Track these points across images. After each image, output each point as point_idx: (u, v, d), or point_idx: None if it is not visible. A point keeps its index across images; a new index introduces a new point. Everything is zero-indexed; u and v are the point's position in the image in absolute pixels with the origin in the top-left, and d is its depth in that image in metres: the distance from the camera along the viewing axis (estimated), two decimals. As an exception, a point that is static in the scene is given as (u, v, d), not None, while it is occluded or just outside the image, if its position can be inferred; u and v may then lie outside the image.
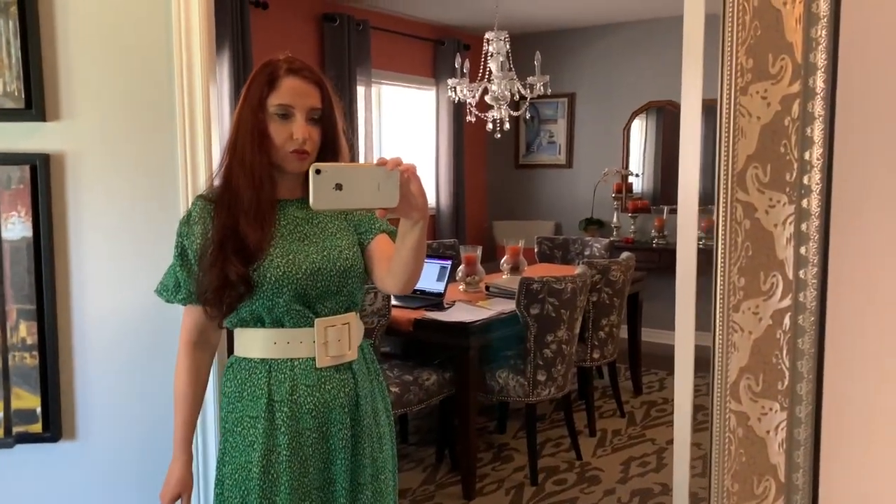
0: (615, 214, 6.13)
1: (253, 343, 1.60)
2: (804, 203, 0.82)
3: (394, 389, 3.32)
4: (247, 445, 1.58)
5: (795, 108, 0.80)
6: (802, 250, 0.82)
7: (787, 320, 0.83)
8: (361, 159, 5.16)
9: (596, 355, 4.19)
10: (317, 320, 1.57)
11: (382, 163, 1.24)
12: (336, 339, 1.59)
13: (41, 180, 1.93)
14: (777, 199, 0.81)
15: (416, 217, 1.35)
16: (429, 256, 3.70)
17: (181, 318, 1.99)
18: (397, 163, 1.25)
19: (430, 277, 3.89)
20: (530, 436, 3.62)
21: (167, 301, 1.70)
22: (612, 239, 5.48)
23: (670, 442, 3.96)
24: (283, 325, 1.57)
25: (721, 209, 0.83)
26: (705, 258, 1.90)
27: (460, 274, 4.18)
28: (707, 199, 1.91)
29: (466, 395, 3.48)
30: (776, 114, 0.81)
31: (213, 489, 1.69)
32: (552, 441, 4.09)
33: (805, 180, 0.81)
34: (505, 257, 4.59)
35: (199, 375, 1.69)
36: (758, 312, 0.83)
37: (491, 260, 5.13)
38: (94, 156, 1.97)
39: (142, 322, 2.01)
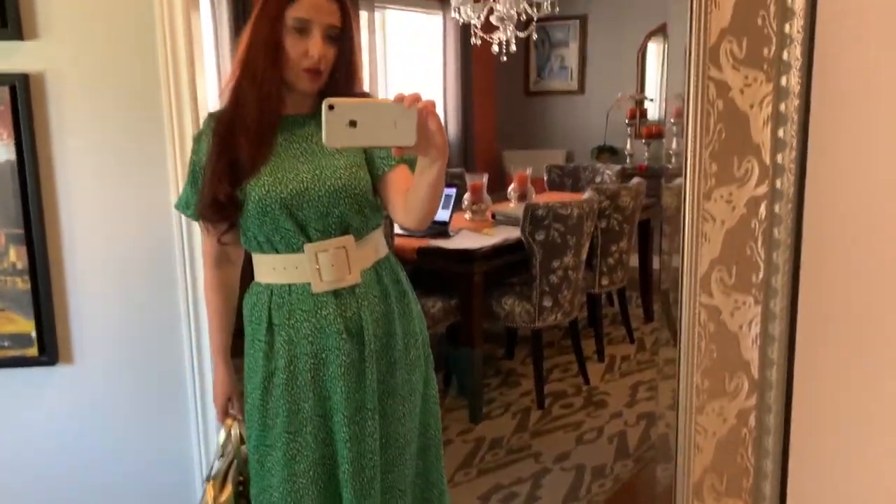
0: (629, 141, 6.00)
1: (258, 268, 1.62)
2: (783, 81, 0.75)
3: (398, 316, 3.32)
4: (255, 369, 1.60)
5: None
6: (781, 133, 0.76)
7: (762, 209, 0.77)
8: (365, 86, 5.05)
9: (605, 282, 4.15)
10: (307, 246, 1.53)
11: (400, 99, 1.17)
12: (330, 264, 1.54)
13: (21, 101, 1.89)
14: (753, 77, 0.74)
15: (434, 155, 1.29)
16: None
17: (173, 239, 1.99)
18: (415, 99, 1.18)
19: (435, 205, 3.82)
20: (537, 361, 3.62)
21: (186, 216, 1.73)
22: (624, 166, 5.37)
23: (678, 367, 3.95)
24: (277, 251, 1.55)
25: (691, 88, 0.76)
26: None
27: (466, 202, 4.12)
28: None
29: (472, 321, 3.47)
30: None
31: None
32: (560, 367, 4.10)
33: (784, 55, 0.74)
34: (512, 185, 4.52)
35: (225, 288, 1.72)
36: (731, 200, 0.78)
37: (501, 190, 5.05)
38: (74, 75, 1.92)
39: (132, 243, 1.99)
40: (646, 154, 5.91)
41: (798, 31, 0.73)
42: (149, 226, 1.98)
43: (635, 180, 4.28)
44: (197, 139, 1.63)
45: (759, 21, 0.76)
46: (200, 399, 2.06)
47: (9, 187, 1.91)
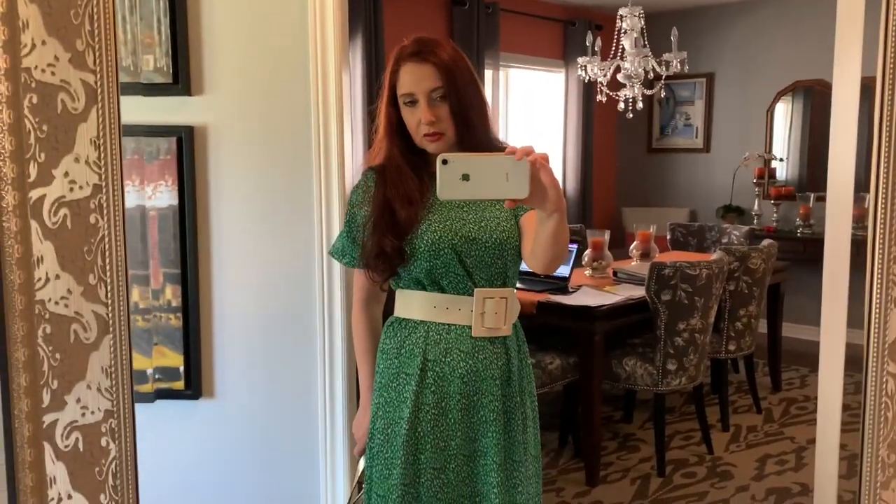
0: (756, 201, 5.78)
1: (414, 304, 1.64)
2: None
3: (517, 371, 3.29)
4: (400, 401, 1.62)
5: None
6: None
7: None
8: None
9: (732, 347, 3.97)
10: (477, 290, 1.59)
11: (512, 152, 1.19)
12: (493, 311, 1.60)
13: (186, 151, 2.05)
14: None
15: (549, 208, 1.29)
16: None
17: (314, 286, 2.07)
18: (527, 152, 1.19)
19: (555, 261, 3.81)
20: (658, 426, 3.49)
21: (342, 263, 1.79)
22: (752, 227, 5.17)
23: (811, 441, 3.69)
24: (443, 291, 1.60)
25: (882, 156, 0.73)
26: (855, 250, 1.72)
27: (586, 259, 4.07)
28: (859, 187, 1.73)
29: (591, 381, 3.39)
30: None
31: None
32: (681, 434, 3.92)
33: None
34: (634, 243, 4.44)
35: (376, 329, 1.77)
36: (925, 266, 0.74)
37: (619, 247, 4.97)
38: (233, 129, 2.07)
39: (276, 288, 2.10)
40: (774, 215, 5.67)
41: None
42: (292, 273, 2.07)
43: (766, 242, 4.11)
44: (356, 191, 1.70)
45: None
46: (330, 440, 2.11)
47: (170, 230, 2.07)
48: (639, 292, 3.52)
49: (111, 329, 0.90)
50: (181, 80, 2.03)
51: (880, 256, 0.75)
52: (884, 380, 0.76)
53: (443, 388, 1.59)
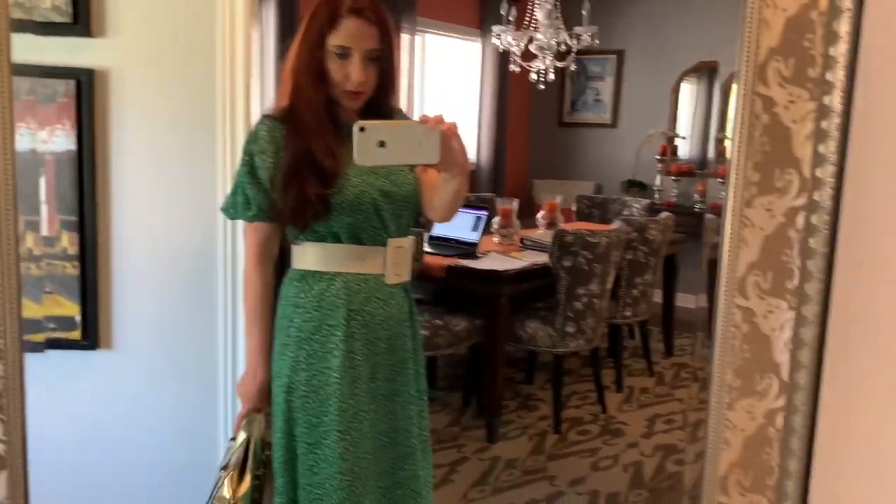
0: (658, 177, 6.03)
1: (330, 256, 1.64)
2: (826, 100, 0.81)
3: (423, 332, 3.36)
4: (326, 352, 1.63)
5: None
6: (821, 148, 0.81)
7: (800, 219, 0.82)
8: (402, 104, 5.15)
9: (628, 313, 4.17)
10: (389, 240, 1.65)
11: (424, 120, 1.30)
12: (402, 259, 1.68)
13: (85, 95, 1.98)
14: (798, 95, 0.80)
15: (455, 172, 1.44)
16: (464, 207, 3.66)
17: (217, 235, 2.06)
18: (439, 121, 1.31)
19: (464, 227, 3.89)
20: (556, 386, 3.65)
21: (232, 218, 1.74)
22: (652, 201, 5.40)
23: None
24: (360, 242, 1.64)
25: (740, 102, 0.82)
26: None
27: (495, 226, 4.18)
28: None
29: (496, 342, 3.51)
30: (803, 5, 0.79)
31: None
32: (578, 394, 4.11)
33: (829, 76, 0.80)
34: (541, 213, 4.57)
35: (270, 287, 1.74)
36: (770, 209, 0.83)
37: (529, 217, 5.10)
38: (136, 74, 2.01)
39: (178, 237, 2.07)
40: (674, 191, 5.94)
41: (842, 54, 0.79)
42: (195, 221, 2.05)
43: (664, 214, 4.31)
44: (255, 141, 1.63)
45: (806, 43, 0.81)
46: (231, 394, 2.11)
47: (67, 176, 2.00)
48: (543, 258, 3.65)
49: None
50: (81, 19, 1.95)
51: (734, 199, 0.84)
52: (732, 312, 0.86)
53: (366, 335, 1.65)
